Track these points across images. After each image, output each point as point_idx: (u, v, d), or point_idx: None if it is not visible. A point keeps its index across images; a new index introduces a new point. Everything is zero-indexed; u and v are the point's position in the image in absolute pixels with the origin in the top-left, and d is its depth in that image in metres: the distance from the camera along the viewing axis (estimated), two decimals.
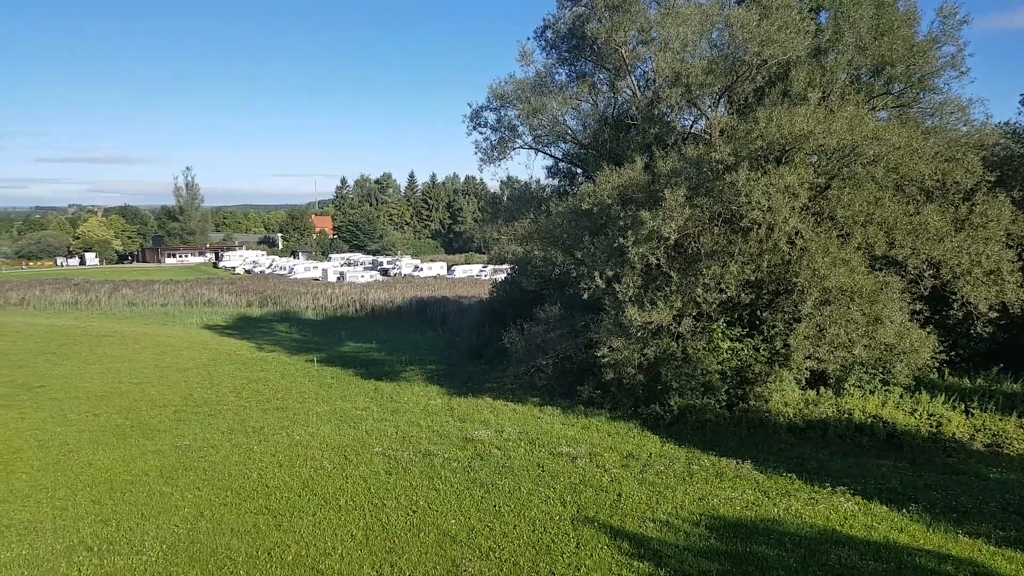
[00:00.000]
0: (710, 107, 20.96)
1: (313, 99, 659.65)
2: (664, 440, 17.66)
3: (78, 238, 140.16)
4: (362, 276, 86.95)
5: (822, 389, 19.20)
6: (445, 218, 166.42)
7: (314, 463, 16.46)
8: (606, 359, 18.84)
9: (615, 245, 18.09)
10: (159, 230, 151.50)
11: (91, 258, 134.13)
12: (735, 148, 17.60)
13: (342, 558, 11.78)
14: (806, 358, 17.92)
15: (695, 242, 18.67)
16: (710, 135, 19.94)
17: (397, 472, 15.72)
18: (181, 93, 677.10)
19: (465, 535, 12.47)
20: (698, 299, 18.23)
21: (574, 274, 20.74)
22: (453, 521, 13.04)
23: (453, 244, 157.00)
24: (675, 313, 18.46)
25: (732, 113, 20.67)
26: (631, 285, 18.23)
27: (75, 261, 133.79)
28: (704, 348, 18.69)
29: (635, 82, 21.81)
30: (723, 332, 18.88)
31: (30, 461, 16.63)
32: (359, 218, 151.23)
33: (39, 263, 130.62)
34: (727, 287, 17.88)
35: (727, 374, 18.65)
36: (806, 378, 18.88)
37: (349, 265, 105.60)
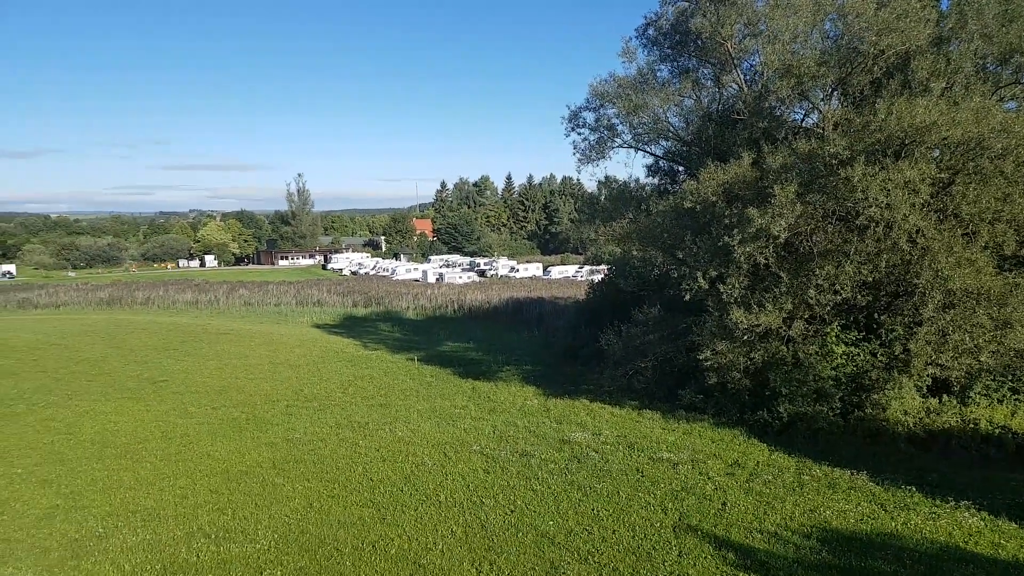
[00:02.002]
0: (823, 100, 19.92)
1: (416, 105, 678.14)
2: (772, 448, 16.93)
3: (198, 241, 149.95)
4: (460, 277, 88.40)
5: (945, 397, 17.86)
6: (541, 219, 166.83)
7: (415, 459, 16.80)
8: (709, 363, 18.24)
9: (720, 244, 17.48)
10: (273, 234, 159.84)
11: (210, 260, 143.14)
12: (850, 142, 16.65)
13: (443, 554, 11.93)
14: (927, 364, 16.74)
15: (807, 241, 17.78)
16: (823, 129, 18.94)
17: (495, 471, 15.80)
18: (293, 102, 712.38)
19: (563, 537, 12.37)
20: (810, 301, 17.35)
21: (675, 275, 20.21)
22: (551, 523, 12.96)
23: (549, 245, 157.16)
24: (785, 315, 17.65)
25: (847, 106, 19.56)
26: (737, 286, 17.57)
27: (195, 263, 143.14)
28: (817, 353, 17.76)
29: (741, 76, 21.05)
30: (837, 336, 17.89)
31: (155, 451, 17.76)
32: (457, 220, 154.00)
33: (163, 265, 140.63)
34: (842, 288, 16.94)
35: (841, 380, 17.65)
36: (927, 385, 17.61)
37: (447, 266, 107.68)
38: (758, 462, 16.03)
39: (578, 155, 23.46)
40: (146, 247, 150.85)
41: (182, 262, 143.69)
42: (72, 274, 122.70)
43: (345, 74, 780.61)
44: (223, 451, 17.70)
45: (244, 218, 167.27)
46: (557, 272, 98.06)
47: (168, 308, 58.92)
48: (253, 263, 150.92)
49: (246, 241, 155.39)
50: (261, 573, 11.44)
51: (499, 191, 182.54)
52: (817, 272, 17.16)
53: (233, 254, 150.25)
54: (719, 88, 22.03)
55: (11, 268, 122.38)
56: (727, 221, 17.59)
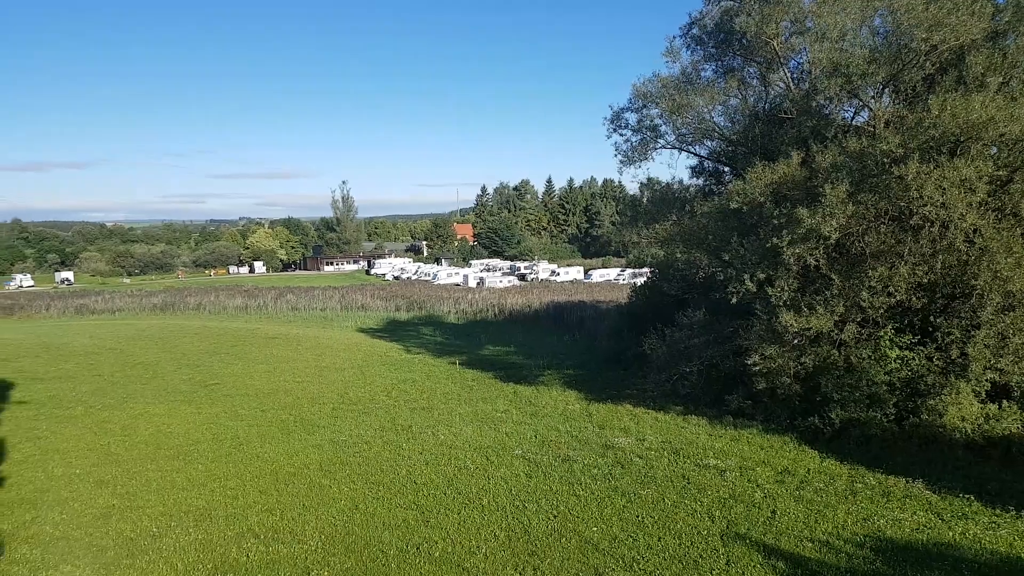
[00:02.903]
0: (873, 98, 19.41)
1: (457, 110, 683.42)
2: (824, 455, 16.49)
3: (247, 248, 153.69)
4: (500, 281, 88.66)
5: (1005, 403, 17.09)
6: (582, 222, 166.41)
7: (458, 462, 16.83)
8: (758, 367, 17.85)
9: (768, 246, 17.12)
10: (318, 240, 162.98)
11: (259, 266, 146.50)
12: (903, 139, 16.15)
13: (486, 557, 11.91)
14: (986, 369, 16.08)
15: (859, 241, 17.29)
16: (873, 127, 18.44)
17: (537, 476, 15.73)
18: (337, 110, 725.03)
19: (607, 544, 12.23)
20: (863, 303, 16.86)
21: (720, 277, 19.82)
22: (595, 529, 12.84)
23: (590, 248, 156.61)
24: (836, 319, 17.18)
25: (898, 103, 19.04)
26: (786, 288, 17.17)
27: (245, 269, 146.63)
28: (869, 357, 17.23)
29: (788, 74, 20.64)
30: (891, 339, 17.33)
31: (206, 452, 18.12)
32: (498, 224, 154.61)
33: (214, 271, 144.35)
34: (896, 290, 16.42)
35: (896, 385, 17.08)
36: (986, 390, 16.91)
37: (488, 271, 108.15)
38: (809, 469, 15.64)
39: (620, 156, 23.26)
40: (197, 254, 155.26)
41: (232, 268, 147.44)
42: (127, 281, 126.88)
43: (387, 81, 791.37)
44: (272, 453, 18.00)
45: (291, 225, 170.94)
46: (598, 275, 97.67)
47: (219, 313, 60.33)
48: (300, 269, 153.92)
49: (293, 247, 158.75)
50: (308, 574, 11.57)
51: (539, 195, 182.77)
52: (870, 274, 16.68)
53: (281, 260, 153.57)
54: (765, 87, 21.65)
55: (69, 275, 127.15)
56: (775, 222, 17.22)
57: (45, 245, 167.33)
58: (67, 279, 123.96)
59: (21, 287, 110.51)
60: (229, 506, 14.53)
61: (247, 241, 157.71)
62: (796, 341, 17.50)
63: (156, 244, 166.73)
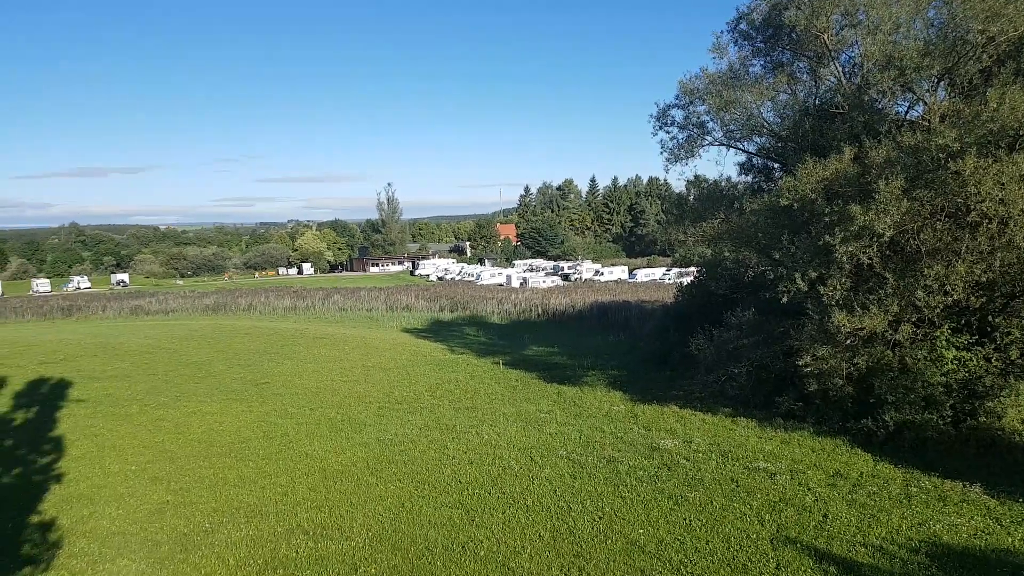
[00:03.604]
0: (928, 91, 18.79)
1: (500, 111, 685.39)
2: (877, 459, 16.03)
3: (296, 250, 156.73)
4: (544, 281, 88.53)
5: None
6: (626, 221, 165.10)
7: (502, 462, 16.84)
8: (809, 368, 17.41)
9: (819, 244, 16.68)
10: (364, 241, 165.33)
11: (307, 268, 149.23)
12: (960, 134, 15.57)
13: (531, 558, 11.88)
14: None
15: (914, 239, 16.73)
16: (928, 121, 17.84)
17: (582, 477, 15.64)
18: (382, 113, 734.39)
19: (654, 546, 12.09)
20: (918, 303, 16.29)
21: (770, 276, 19.38)
22: (641, 531, 12.70)
23: (635, 247, 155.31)
24: (890, 318, 16.65)
25: (954, 96, 18.39)
26: (838, 287, 16.71)
27: (294, 271, 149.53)
28: (925, 358, 16.66)
29: (839, 68, 20.11)
30: (948, 340, 16.72)
31: (257, 450, 18.49)
32: (541, 224, 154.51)
33: (263, 273, 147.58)
34: (952, 289, 15.83)
35: (952, 387, 16.48)
36: None
37: (531, 271, 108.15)
38: (862, 473, 15.23)
39: (666, 154, 22.96)
40: (248, 256, 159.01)
41: (281, 270, 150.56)
42: (180, 282, 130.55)
43: (433, 83, 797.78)
44: (320, 450, 18.28)
45: (338, 227, 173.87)
46: (643, 275, 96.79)
47: (269, 314, 61.55)
48: (346, 270, 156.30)
49: (340, 249, 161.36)
50: (356, 570, 11.72)
51: (583, 194, 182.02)
52: (925, 272, 16.12)
53: (328, 262, 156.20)
54: (816, 81, 21.13)
55: (125, 277, 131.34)
56: (827, 219, 16.77)
57: (101, 248, 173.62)
58: (122, 281, 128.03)
59: (79, 289, 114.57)
60: (279, 503, 14.80)
61: (295, 243, 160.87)
62: (849, 341, 17.03)
63: (208, 246, 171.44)
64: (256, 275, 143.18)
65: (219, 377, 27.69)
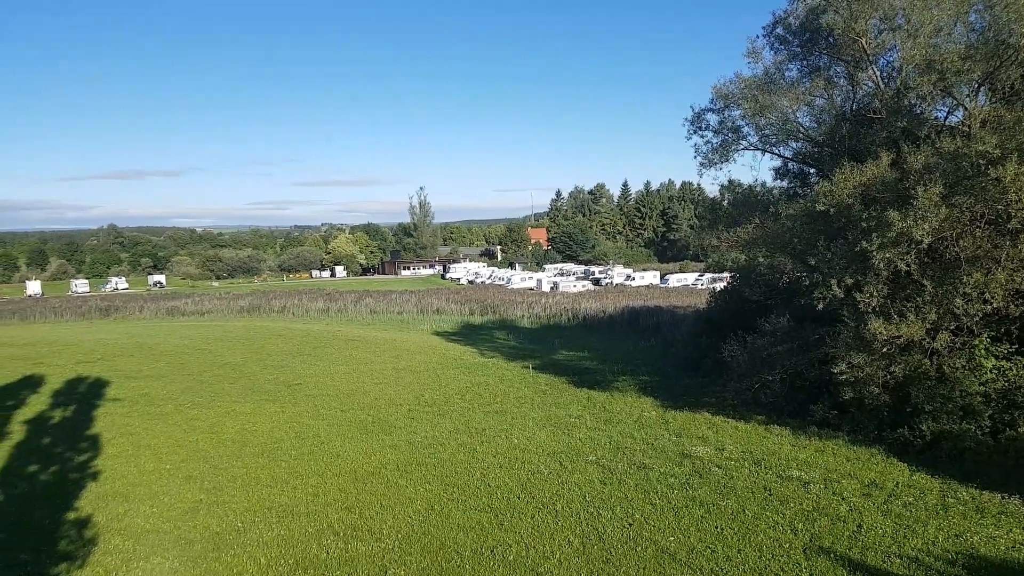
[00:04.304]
0: (968, 96, 18.38)
1: (531, 115, 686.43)
2: (914, 469, 15.68)
3: (329, 253, 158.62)
4: (574, 286, 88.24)
5: None
6: (659, 226, 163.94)
7: (531, 467, 16.82)
8: (844, 376, 17.10)
9: (856, 250, 16.39)
10: (396, 245, 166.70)
11: (340, 271, 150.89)
12: (1001, 140, 15.21)
13: (560, 563, 11.84)
14: None
15: (953, 246, 16.35)
16: (968, 127, 17.44)
17: (612, 483, 15.55)
18: (414, 117, 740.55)
19: (685, 554, 11.96)
20: (956, 311, 15.93)
21: (806, 283, 19.15)
22: (671, 539, 12.58)
23: (667, 252, 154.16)
24: (928, 326, 16.30)
25: (995, 102, 17.97)
26: (875, 294, 16.40)
27: (326, 273, 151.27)
28: (964, 367, 16.28)
29: (877, 73, 19.79)
30: (987, 348, 16.33)
31: (289, 450, 18.71)
32: (572, 229, 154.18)
33: (287, 275, 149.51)
34: (992, 297, 15.46)
35: (991, 397, 16.08)
36: None
37: (562, 275, 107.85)
38: (897, 483, 14.91)
39: (700, 158, 22.78)
40: (282, 259, 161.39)
41: (315, 272, 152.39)
42: (216, 284, 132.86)
43: (465, 87, 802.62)
44: (351, 452, 18.45)
45: (370, 230, 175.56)
46: (675, 280, 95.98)
47: (302, 316, 62.21)
48: (378, 273, 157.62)
49: (372, 252, 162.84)
50: (386, 572, 11.79)
51: (615, 198, 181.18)
52: (964, 280, 15.76)
53: (360, 264, 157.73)
54: (853, 86, 20.81)
55: (161, 278, 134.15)
56: (864, 225, 16.49)
57: (139, 250, 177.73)
58: (159, 282, 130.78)
59: (117, 290, 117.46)
60: (310, 503, 14.95)
61: (329, 246, 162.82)
62: (885, 349, 16.69)
63: (243, 249, 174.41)
64: (284, 278, 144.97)
65: (253, 378, 28.10)
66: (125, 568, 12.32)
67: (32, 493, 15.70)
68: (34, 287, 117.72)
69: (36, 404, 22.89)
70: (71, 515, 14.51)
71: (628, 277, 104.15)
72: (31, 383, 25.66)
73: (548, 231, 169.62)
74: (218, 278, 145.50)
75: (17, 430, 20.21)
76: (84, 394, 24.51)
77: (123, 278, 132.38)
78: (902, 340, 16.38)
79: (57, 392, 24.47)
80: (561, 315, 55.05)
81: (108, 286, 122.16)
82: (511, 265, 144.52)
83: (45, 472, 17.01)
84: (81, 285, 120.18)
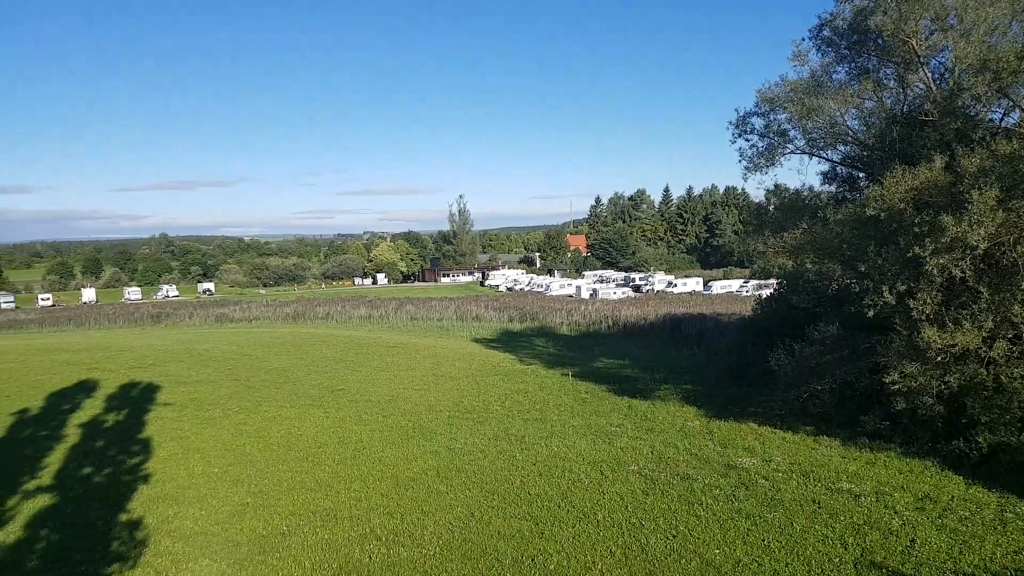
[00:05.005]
0: None
1: (570, 121, 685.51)
2: (969, 482, 15.13)
3: (371, 260, 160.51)
4: (614, 292, 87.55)
5: None
6: (701, 232, 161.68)
7: (571, 475, 16.67)
8: (896, 386, 16.56)
9: (908, 255, 15.90)
10: (436, 252, 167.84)
11: (381, 278, 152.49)
12: None
13: (602, 574, 11.70)
14: None
15: (1010, 251, 15.74)
16: None
17: (654, 493, 15.31)
18: (455, 126, 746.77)
19: (730, 567, 11.71)
20: (1014, 319, 15.35)
21: (855, 289, 18.64)
22: (717, 552, 12.32)
23: (710, 258, 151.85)
24: (984, 335, 15.71)
25: None
26: (929, 301, 15.88)
27: (368, 280, 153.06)
28: (1022, 376, 15.64)
29: (929, 74, 19.26)
30: None
31: (332, 455, 18.91)
32: (612, 235, 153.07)
33: (340, 282, 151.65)
34: None
35: None
36: None
37: (601, 282, 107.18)
38: (952, 496, 14.40)
39: (745, 162, 22.47)
40: (326, 266, 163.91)
41: (357, 280, 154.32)
42: (263, 291, 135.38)
43: (503, 96, 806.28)
44: (392, 457, 18.56)
45: (411, 238, 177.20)
46: (719, 287, 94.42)
47: (345, 322, 63.12)
48: (418, 280, 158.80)
49: (412, 260, 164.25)
50: None
51: (656, 204, 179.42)
52: (1022, 286, 15.18)
53: (401, 272, 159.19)
54: (903, 88, 20.28)
55: (210, 286, 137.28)
56: (916, 230, 15.98)
57: (189, 258, 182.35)
58: (208, 289, 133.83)
59: (167, 297, 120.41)
60: (353, 508, 15.08)
61: (370, 254, 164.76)
62: (939, 358, 16.14)
63: (289, 257, 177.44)
64: (322, 285, 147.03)
65: (298, 383, 28.53)
66: (175, 569, 12.58)
67: (86, 494, 16.16)
68: (89, 294, 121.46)
69: (90, 408, 23.57)
70: (123, 516, 14.90)
71: (670, 284, 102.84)
72: (86, 387, 26.44)
73: (587, 238, 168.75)
74: (265, 285, 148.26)
75: (72, 433, 20.83)
76: (136, 398, 25.19)
77: (174, 286, 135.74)
78: (957, 349, 15.82)
79: (111, 396, 25.17)
80: (601, 322, 54.67)
81: (159, 293, 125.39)
82: (550, 272, 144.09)
83: (99, 474, 17.50)
84: (134, 292, 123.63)
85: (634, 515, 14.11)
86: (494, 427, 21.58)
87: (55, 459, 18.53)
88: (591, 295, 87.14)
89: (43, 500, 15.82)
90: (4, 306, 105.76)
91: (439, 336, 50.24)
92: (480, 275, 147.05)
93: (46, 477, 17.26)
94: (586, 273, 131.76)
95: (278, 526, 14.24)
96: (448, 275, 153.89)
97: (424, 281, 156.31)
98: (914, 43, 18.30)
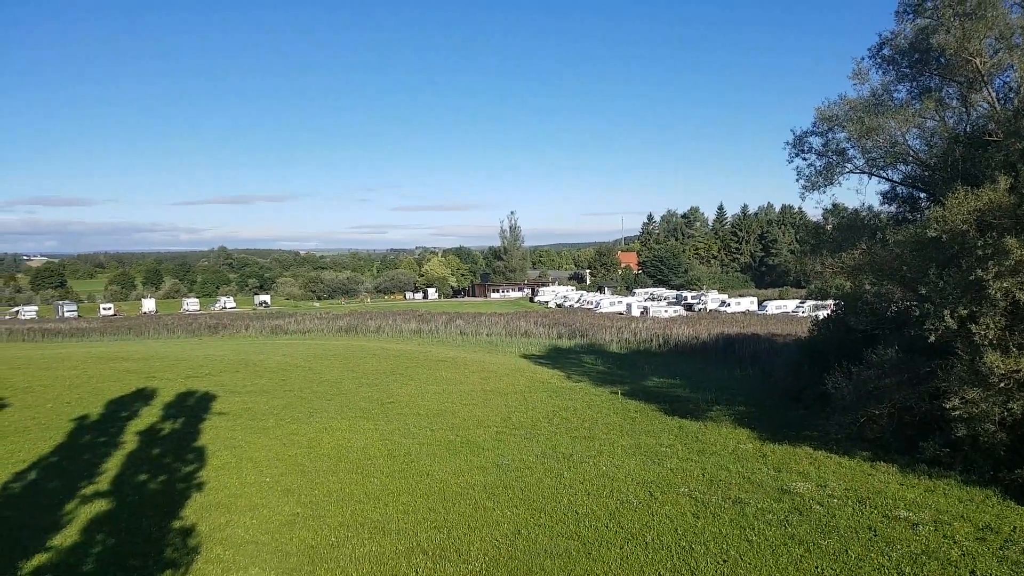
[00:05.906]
0: None
1: (624, 139, 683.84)
2: None
3: (422, 275, 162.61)
4: (665, 311, 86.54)
5: None
6: (756, 250, 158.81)
7: (620, 496, 16.55)
8: (957, 412, 16.00)
9: (970, 278, 15.42)
10: (486, 268, 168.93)
11: (432, 293, 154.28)
12: None
13: None
14: None
15: None
16: None
17: (705, 516, 15.08)
18: (507, 142, 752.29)
19: None
20: None
21: (916, 312, 18.08)
22: None
23: (765, 278, 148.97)
24: None
25: None
26: (992, 326, 15.33)
27: (419, 295, 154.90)
28: None
29: (993, 94, 18.77)
30: None
31: (381, 468, 19.15)
32: (664, 253, 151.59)
33: (392, 296, 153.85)
34: None
35: None
36: None
37: (652, 300, 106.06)
38: (1015, 527, 13.83)
39: (802, 181, 22.21)
40: (378, 280, 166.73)
41: (408, 294, 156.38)
42: (317, 304, 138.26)
43: (557, 113, 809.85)
44: (440, 471, 18.71)
45: (462, 254, 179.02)
46: (774, 307, 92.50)
47: (396, 336, 63.83)
48: (468, 295, 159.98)
49: (463, 275, 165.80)
50: None
51: (709, 222, 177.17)
52: None
53: (451, 287, 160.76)
54: (966, 107, 19.79)
55: (267, 298, 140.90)
56: (980, 252, 15.49)
57: (246, 271, 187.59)
58: (264, 302, 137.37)
59: (225, 308, 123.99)
60: (401, 521, 15.25)
61: (422, 269, 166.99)
62: (1003, 384, 15.54)
63: (343, 271, 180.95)
64: (367, 299, 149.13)
65: (349, 395, 28.98)
66: None
67: (142, 501, 16.63)
68: (149, 305, 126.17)
69: (148, 416, 24.30)
70: (176, 524, 15.29)
71: (723, 303, 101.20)
72: (144, 396, 27.30)
73: (639, 255, 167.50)
74: (319, 298, 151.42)
75: (130, 440, 21.48)
76: (192, 407, 25.86)
77: (231, 297, 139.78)
78: (1021, 375, 15.25)
79: (167, 405, 25.90)
80: (651, 340, 54.07)
81: (217, 305, 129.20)
82: (600, 289, 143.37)
83: (154, 481, 18.01)
84: (192, 303, 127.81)
85: (684, 538, 13.93)
86: (542, 444, 21.56)
87: (112, 465, 19.09)
88: (642, 313, 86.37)
89: (100, 505, 16.30)
90: (68, 315, 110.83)
91: (488, 351, 50.43)
92: (530, 291, 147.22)
93: (103, 482, 17.80)
94: (637, 291, 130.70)
95: (327, 537, 14.48)
96: (498, 291, 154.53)
97: (474, 296, 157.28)
98: (978, 62, 17.86)
